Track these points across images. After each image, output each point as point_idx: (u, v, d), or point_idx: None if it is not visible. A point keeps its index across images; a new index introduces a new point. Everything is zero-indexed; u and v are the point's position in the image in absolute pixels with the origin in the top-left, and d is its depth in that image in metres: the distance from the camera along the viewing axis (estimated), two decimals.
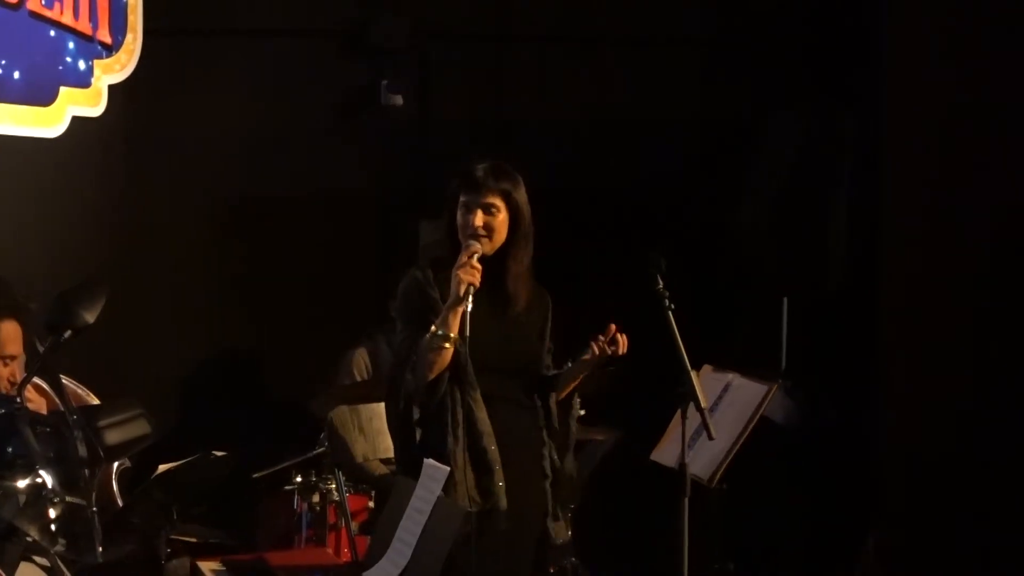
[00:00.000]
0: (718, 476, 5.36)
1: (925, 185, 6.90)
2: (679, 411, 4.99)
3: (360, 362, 7.05)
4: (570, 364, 5.12)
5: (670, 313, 4.91)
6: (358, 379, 7.00)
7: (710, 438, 4.97)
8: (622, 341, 4.97)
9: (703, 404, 4.89)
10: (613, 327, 4.96)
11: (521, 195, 5.02)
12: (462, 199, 4.98)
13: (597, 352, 4.96)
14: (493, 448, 4.88)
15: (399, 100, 7.70)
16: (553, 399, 5.13)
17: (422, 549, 4.33)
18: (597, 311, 5.19)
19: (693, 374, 4.92)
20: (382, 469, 6.62)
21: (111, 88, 6.85)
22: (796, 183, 7.68)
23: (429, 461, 4.53)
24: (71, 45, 6.69)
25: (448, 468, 4.50)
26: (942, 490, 6.65)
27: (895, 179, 7.07)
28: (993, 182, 6.65)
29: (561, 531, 5.17)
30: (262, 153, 7.48)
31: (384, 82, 7.65)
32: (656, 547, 5.47)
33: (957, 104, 6.79)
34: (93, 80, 6.78)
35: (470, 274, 4.79)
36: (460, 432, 4.86)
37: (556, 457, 5.10)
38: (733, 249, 7.60)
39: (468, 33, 8.07)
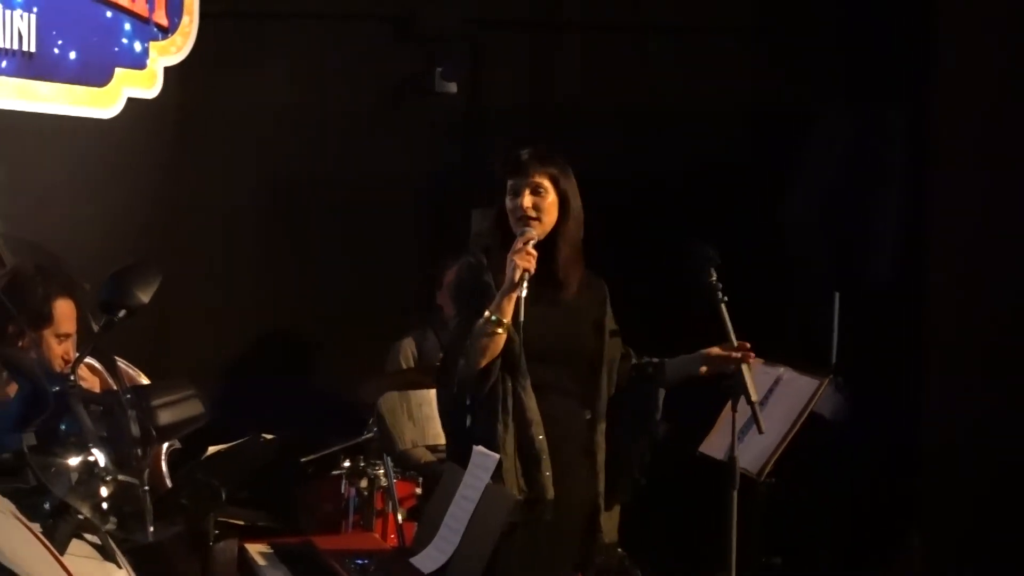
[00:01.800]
0: (767, 470, 5.34)
1: (975, 181, 6.86)
2: (729, 404, 4.98)
3: (407, 351, 7.06)
4: (661, 359, 5.13)
5: (723, 306, 4.90)
6: (404, 368, 7.01)
7: (760, 432, 4.94)
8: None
9: (753, 397, 4.88)
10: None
11: (569, 178, 4.98)
12: (509, 183, 4.95)
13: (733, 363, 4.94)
14: (541, 438, 4.84)
15: (453, 88, 7.73)
16: (658, 392, 5.11)
17: (470, 536, 4.32)
18: (646, 302, 5.20)
19: (744, 367, 4.91)
20: (429, 456, 6.61)
21: (166, 70, 6.89)
22: (847, 177, 7.64)
23: (479, 448, 4.53)
24: (127, 26, 6.73)
25: (498, 456, 4.49)
26: (988, 489, 6.62)
27: (945, 175, 7.03)
28: None
29: (611, 528, 5.12)
30: (314, 138, 7.51)
31: (439, 69, 7.68)
32: (702, 540, 5.45)
33: (1007, 100, 6.75)
34: (148, 62, 6.81)
35: (525, 260, 4.75)
36: (509, 420, 4.82)
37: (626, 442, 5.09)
38: (784, 242, 7.57)
39: (518, 20, 8.07)
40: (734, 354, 4.94)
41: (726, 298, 4.89)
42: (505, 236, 4.93)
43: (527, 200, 4.90)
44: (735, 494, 4.88)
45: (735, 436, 4.91)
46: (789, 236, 7.62)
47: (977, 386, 6.72)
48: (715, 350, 4.98)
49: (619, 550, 6.45)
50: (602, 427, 5.05)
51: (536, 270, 4.82)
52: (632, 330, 5.16)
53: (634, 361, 5.17)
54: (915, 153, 7.28)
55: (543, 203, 4.91)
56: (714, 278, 4.93)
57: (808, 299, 7.48)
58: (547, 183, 4.92)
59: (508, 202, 4.95)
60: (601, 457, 5.03)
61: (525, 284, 4.74)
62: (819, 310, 7.32)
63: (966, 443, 6.72)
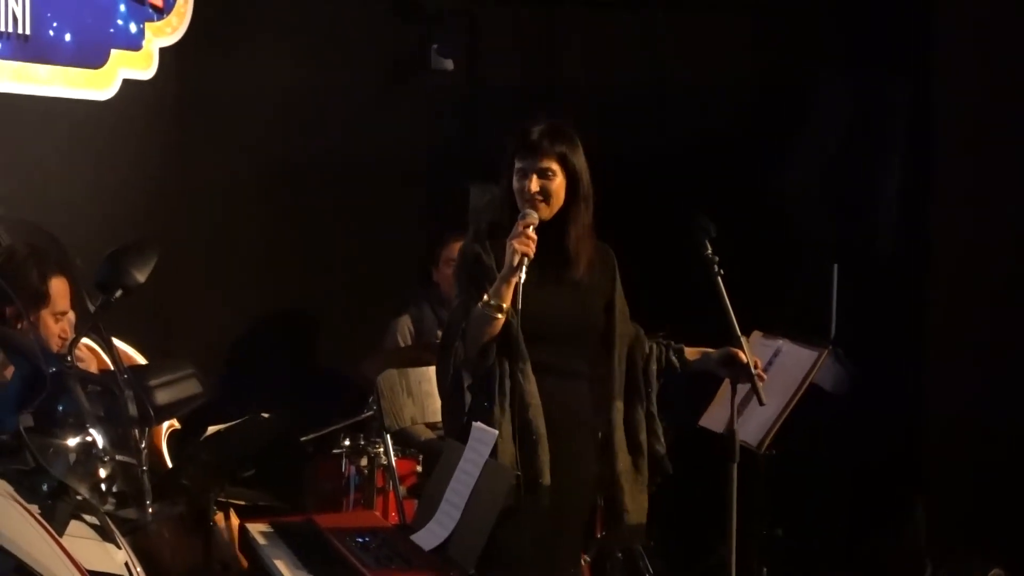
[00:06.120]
0: (767, 442, 5.34)
1: (977, 152, 6.84)
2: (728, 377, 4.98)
3: (404, 329, 7.06)
4: (680, 347, 5.09)
5: (719, 278, 4.88)
6: (402, 345, 7.01)
7: (760, 404, 4.93)
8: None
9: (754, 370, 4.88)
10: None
11: (579, 157, 4.89)
12: (518, 164, 4.86)
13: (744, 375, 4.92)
14: (539, 421, 4.76)
15: (449, 64, 7.71)
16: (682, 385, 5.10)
17: (471, 511, 4.31)
18: (646, 277, 5.18)
19: (743, 340, 4.90)
20: (429, 433, 6.60)
21: (162, 51, 6.88)
22: (848, 149, 7.63)
23: (478, 424, 4.51)
24: (122, 8, 6.72)
25: (496, 432, 4.47)
26: (988, 458, 6.62)
27: (947, 145, 7.02)
28: None
29: (638, 510, 4.97)
30: (311, 116, 7.48)
31: (434, 46, 7.66)
32: (703, 513, 5.45)
33: (1010, 71, 6.73)
34: (144, 43, 6.81)
35: (524, 244, 4.67)
36: (507, 403, 4.75)
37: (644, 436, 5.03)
38: (784, 215, 7.55)
39: None
40: (757, 372, 4.90)
41: (722, 271, 4.88)
42: (511, 215, 4.84)
43: (534, 185, 4.82)
44: (735, 467, 4.88)
45: (734, 409, 4.91)
46: (791, 208, 7.60)
47: (979, 356, 6.73)
48: (741, 357, 4.92)
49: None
50: (619, 405, 4.96)
51: (547, 250, 4.77)
52: (634, 304, 5.14)
53: (649, 345, 5.10)
54: (917, 124, 7.26)
55: (550, 186, 4.84)
56: (709, 251, 4.92)
57: (810, 272, 7.47)
58: (555, 166, 4.84)
59: (515, 183, 4.87)
60: (620, 436, 4.94)
61: (524, 269, 4.67)
62: (820, 282, 7.31)
63: (967, 412, 6.73)
